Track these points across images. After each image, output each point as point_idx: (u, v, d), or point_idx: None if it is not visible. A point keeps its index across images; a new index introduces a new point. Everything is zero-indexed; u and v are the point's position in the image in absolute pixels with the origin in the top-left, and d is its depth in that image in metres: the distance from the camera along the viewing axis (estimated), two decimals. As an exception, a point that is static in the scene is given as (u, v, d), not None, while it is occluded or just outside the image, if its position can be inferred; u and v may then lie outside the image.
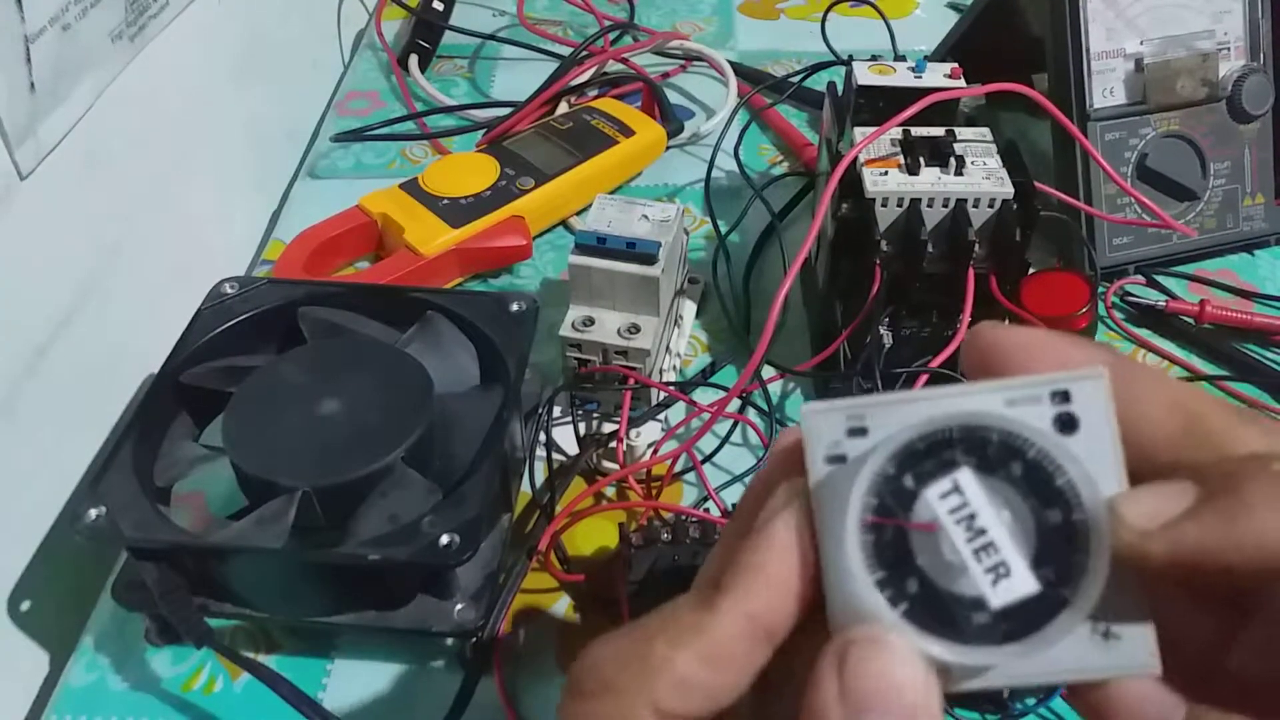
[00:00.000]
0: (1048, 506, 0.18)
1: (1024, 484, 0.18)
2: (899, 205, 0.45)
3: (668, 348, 0.52)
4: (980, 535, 0.18)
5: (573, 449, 0.48)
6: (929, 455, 0.19)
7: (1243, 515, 0.17)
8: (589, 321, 0.48)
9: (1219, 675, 0.19)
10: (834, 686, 0.18)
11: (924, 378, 0.46)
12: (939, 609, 0.18)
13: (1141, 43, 0.55)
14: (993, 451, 0.18)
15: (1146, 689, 0.18)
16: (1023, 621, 0.18)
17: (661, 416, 0.50)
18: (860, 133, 0.48)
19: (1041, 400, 0.19)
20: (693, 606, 0.19)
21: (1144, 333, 0.56)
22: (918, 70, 0.51)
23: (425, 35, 0.80)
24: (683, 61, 0.79)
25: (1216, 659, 0.20)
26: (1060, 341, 0.20)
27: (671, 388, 0.50)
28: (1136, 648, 0.18)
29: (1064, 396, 0.19)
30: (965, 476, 0.18)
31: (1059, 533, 0.18)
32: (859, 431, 0.19)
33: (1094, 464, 0.18)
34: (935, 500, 0.18)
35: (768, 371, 0.53)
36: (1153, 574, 0.18)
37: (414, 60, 0.78)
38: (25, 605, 0.44)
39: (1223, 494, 0.17)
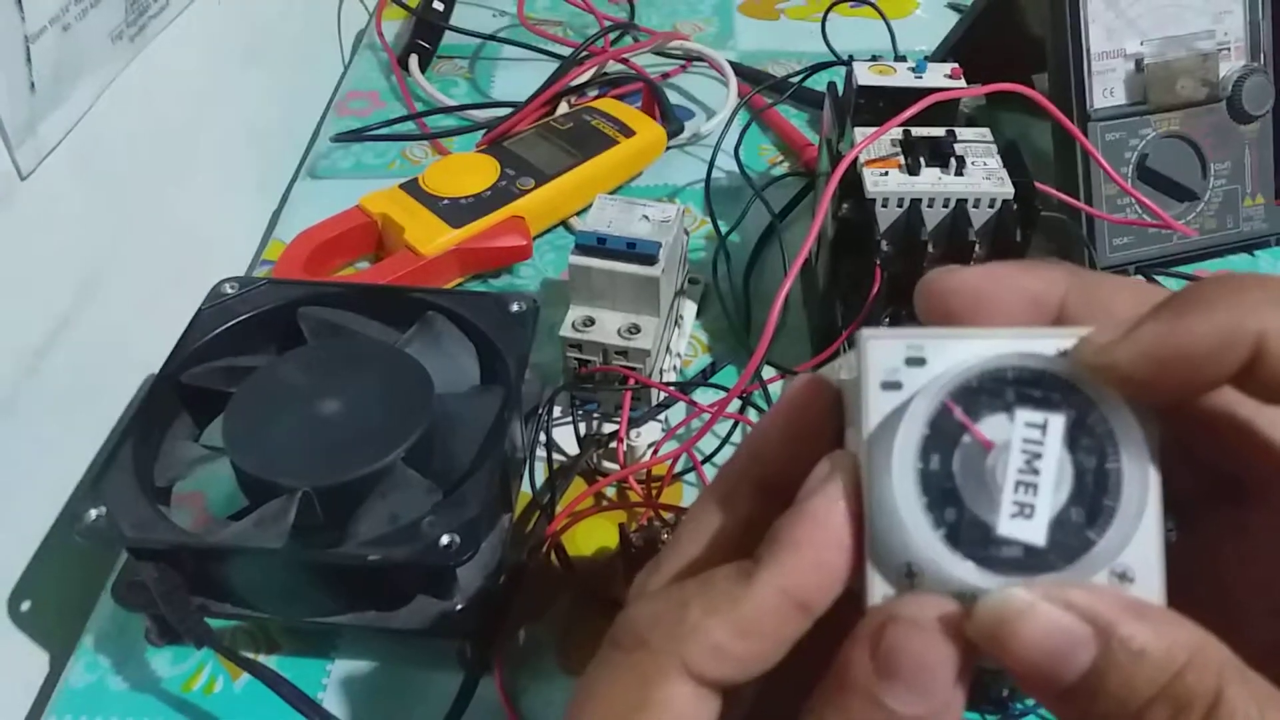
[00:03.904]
0: (1088, 452, 0.19)
1: (1071, 429, 0.19)
2: (899, 205, 0.45)
3: (668, 348, 0.52)
4: (1033, 475, 0.19)
5: (573, 449, 0.48)
6: (983, 391, 0.20)
7: (1190, 307, 0.18)
8: (589, 322, 0.48)
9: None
10: (866, 652, 0.18)
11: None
12: (974, 536, 0.19)
13: (1142, 43, 0.55)
14: (1047, 394, 0.20)
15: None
16: (1049, 558, 0.19)
17: (662, 417, 0.50)
18: (860, 133, 0.48)
19: None
20: (729, 576, 0.20)
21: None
22: (918, 70, 0.51)
23: (425, 35, 0.80)
24: (683, 62, 0.79)
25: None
26: (1013, 274, 0.21)
27: (672, 388, 0.50)
28: (1148, 590, 0.19)
29: None
30: (1056, 422, 0.19)
31: (1094, 477, 0.19)
32: (917, 361, 0.20)
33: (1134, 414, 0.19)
34: (1022, 426, 0.19)
35: (768, 372, 0.53)
36: (1123, 384, 0.19)
37: (414, 60, 0.78)
38: (25, 605, 0.44)
39: (1174, 300, 0.19)
